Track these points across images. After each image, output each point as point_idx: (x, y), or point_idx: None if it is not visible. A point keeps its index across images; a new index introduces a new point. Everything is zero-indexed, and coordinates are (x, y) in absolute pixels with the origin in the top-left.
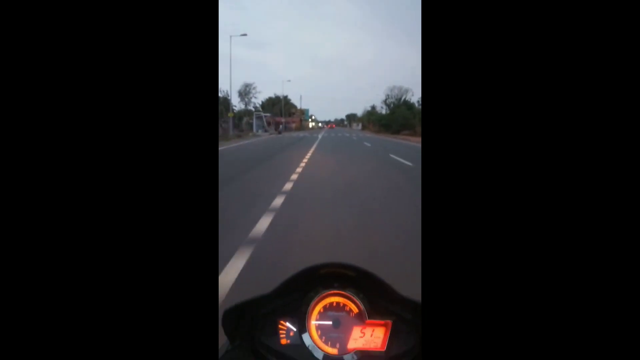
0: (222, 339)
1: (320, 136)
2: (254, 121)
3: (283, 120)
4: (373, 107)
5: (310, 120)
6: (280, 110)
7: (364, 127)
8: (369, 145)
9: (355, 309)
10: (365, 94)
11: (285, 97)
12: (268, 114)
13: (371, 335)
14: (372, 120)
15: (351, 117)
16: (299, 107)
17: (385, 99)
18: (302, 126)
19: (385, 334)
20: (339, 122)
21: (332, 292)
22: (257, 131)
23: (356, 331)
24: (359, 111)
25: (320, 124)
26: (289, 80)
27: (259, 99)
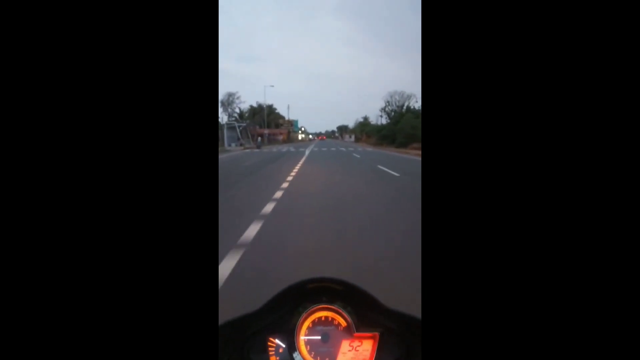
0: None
1: (308, 151)
2: (225, 133)
3: (266, 131)
4: (365, 118)
5: (300, 132)
6: (263, 120)
7: (357, 140)
8: (392, 173)
9: (343, 323)
10: (354, 106)
11: (270, 107)
12: (243, 123)
13: (359, 348)
14: (365, 131)
15: (342, 129)
16: (287, 118)
17: (385, 107)
18: (290, 138)
19: (373, 346)
20: (330, 134)
21: (320, 306)
22: (230, 145)
23: (345, 345)
24: (351, 122)
25: (310, 136)
26: (272, 86)
27: (243, 107)
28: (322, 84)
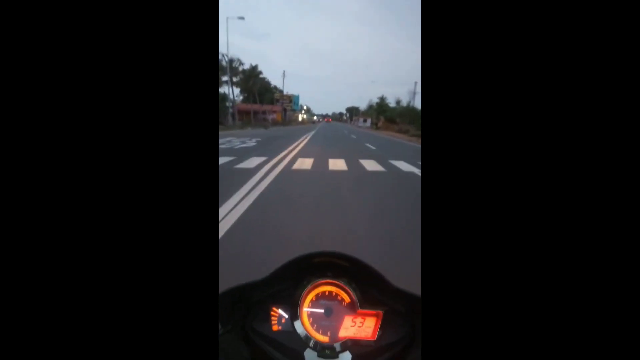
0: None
1: (291, 154)
2: None
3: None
4: (382, 99)
5: (301, 111)
6: (254, 91)
7: (375, 127)
8: None
9: (347, 299)
10: (365, 90)
11: (254, 68)
12: None
13: (362, 325)
14: (384, 115)
15: (352, 111)
16: (283, 90)
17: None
18: (285, 119)
19: (376, 324)
20: (338, 117)
21: (325, 281)
22: None
23: (347, 320)
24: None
25: (315, 117)
26: (243, 18)
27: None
28: (331, 64)
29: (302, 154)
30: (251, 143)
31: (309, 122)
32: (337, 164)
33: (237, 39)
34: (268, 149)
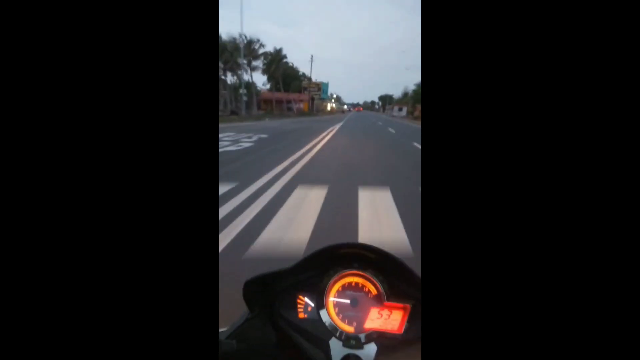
0: (243, 308)
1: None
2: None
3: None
4: (419, 86)
5: (331, 100)
6: (279, 77)
7: (413, 116)
8: None
9: (374, 291)
10: (399, 76)
11: (279, 52)
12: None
13: (389, 317)
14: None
15: (385, 99)
16: (311, 77)
17: None
18: (312, 109)
19: (403, 317)
20: (369, 106)
21: (351, 272)
22: None
23: (374, 312)
24: (397, 92)
25: (345, 107)
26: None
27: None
28: (363, 50)
29: (313, 168)
30: (246, 144)
31: (339, 112)
32: (377, 201)
33: (266, 26)
34: (258, 163)
